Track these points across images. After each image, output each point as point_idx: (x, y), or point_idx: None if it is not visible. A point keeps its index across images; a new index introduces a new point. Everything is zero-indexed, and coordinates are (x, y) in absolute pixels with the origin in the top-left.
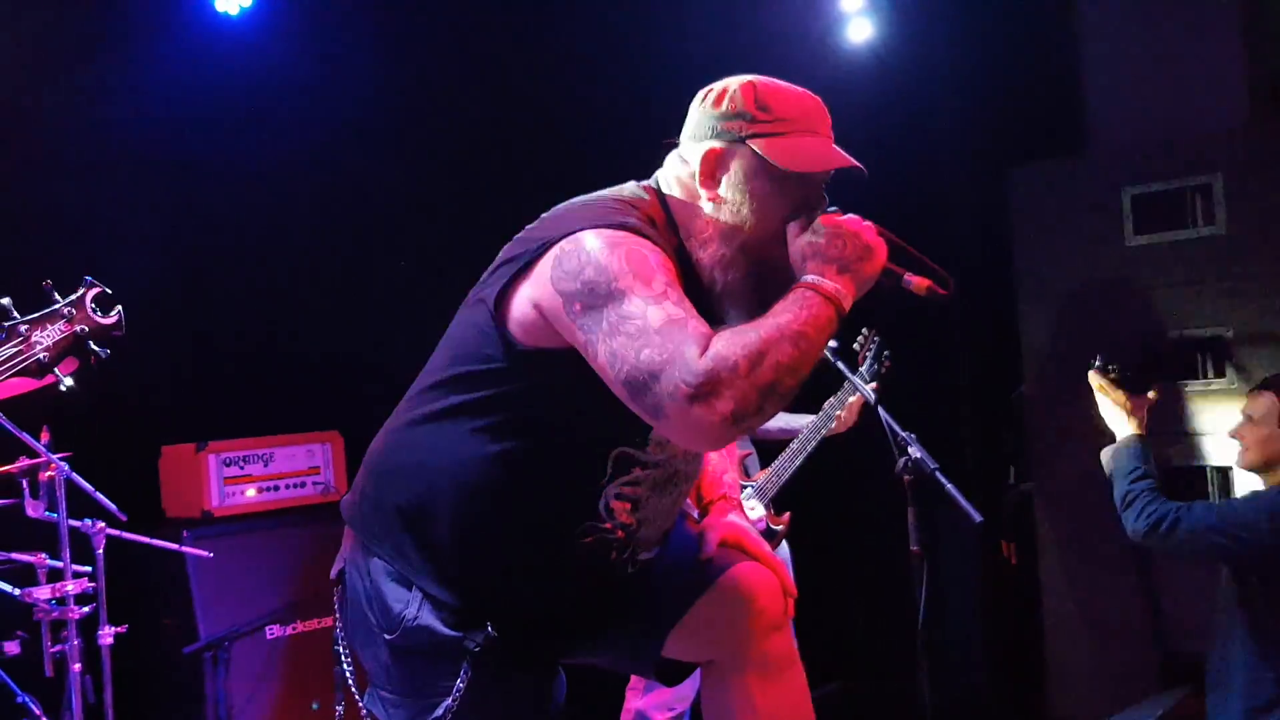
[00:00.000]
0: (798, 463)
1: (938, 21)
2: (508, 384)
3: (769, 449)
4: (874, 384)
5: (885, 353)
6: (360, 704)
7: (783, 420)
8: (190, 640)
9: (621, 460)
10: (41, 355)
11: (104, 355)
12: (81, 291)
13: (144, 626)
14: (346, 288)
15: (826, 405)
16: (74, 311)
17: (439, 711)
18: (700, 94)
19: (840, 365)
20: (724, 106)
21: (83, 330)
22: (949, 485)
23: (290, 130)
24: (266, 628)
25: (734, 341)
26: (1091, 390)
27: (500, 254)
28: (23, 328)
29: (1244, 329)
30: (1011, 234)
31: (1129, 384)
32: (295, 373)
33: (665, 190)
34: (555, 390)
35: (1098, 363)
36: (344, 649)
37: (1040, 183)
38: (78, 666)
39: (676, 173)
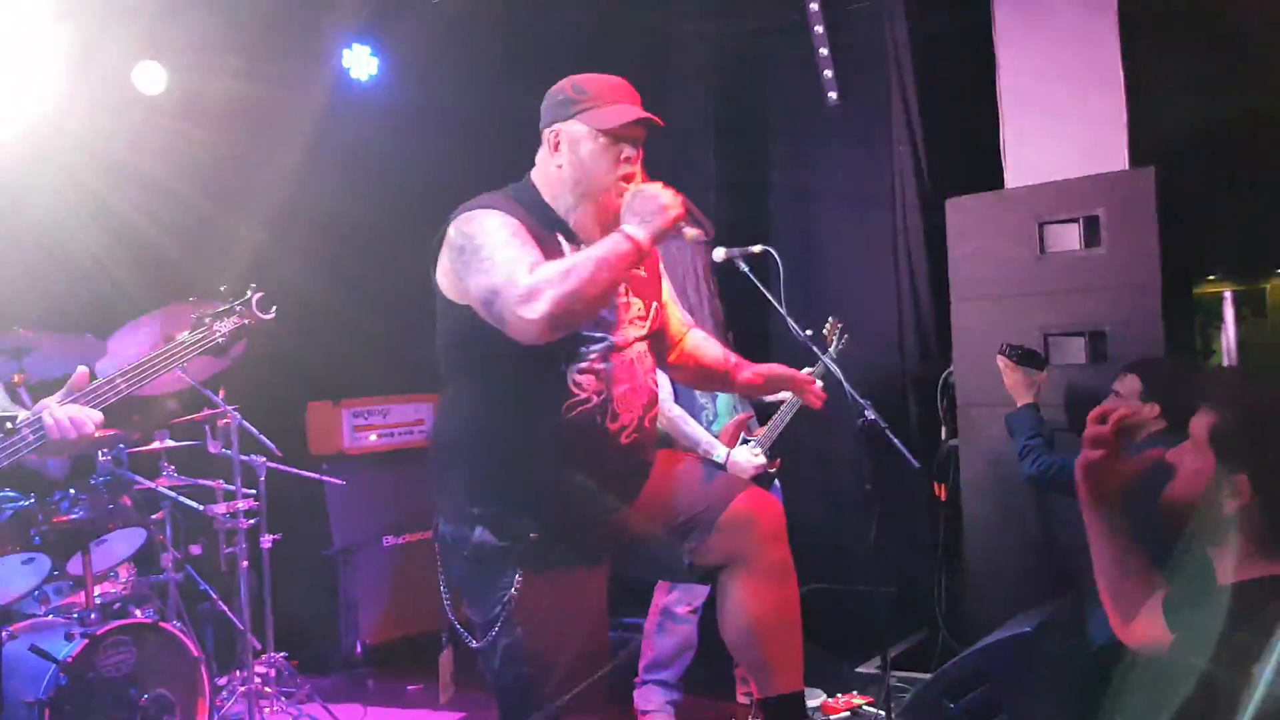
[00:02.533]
0: (785, 421)
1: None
2: (459, 334)
3: (764, 412)
4: (834, 358)
5: (846, 337)
6: (454, 617)
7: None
8: (327, 545)
9: (569, 347)
10: (220, 339)
11: (261, 344)
12: (249, 295)
13: (293, 535)
14: None
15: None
16: (243, 309)
17: (504, 600)
18: (545, 97)
19: (814, 348)
20: (556, 98)
21: (249, 323)
22: (895, 440)
23: (402, 162)
24: (383, 538)
25: (552, 265)
26: (1000, 370)
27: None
28: (208, 320)
29: (1119, 325)
30: (947, 249)
31: (1026, 365)
32: (406, 348)
33: (530, 175)
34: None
35: (1004, 349)
36: (442, 580)
37: (971, 211)
38: (245, 564)
39: (538, 157)
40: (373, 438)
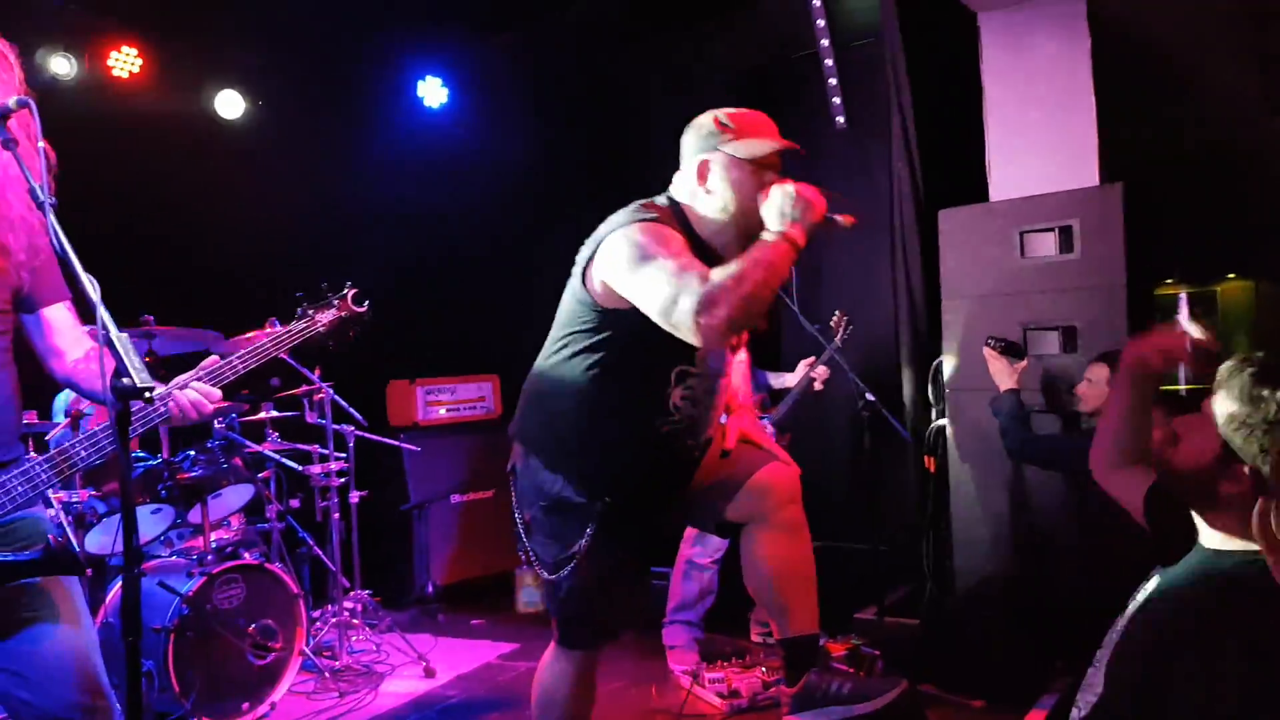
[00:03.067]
0: (794, 402)
1: (894, 112)
2: (598, 333)
3: (776, 395)
4: (837, 348)
5: (850, 327)
6: (526, 545)
7: (782, 378)
8: (404, 502)
9: (680, 374)
10: (320, 329)
11: (358, 331)
12: (345, 290)
13: (376, 492)
14: (506, 284)
15: (802, 369)
16: (340, 302)
17: (575, 549)
18: (687, 129)
19: (821, 339)
20: (704, 130)
21: (345, 315)
22: (892, 419)
23: (467, 177)
24: (451, 495)
25: (723, 272)
26: (985, 359)
27: (584, 245)
28: (310, 311)
29: (1090, 321)
30: (937, 255)
31: (1008, 355)
32: (470, 336)
33: (675, 197)
34: (629, 333)
35: (989, 340)
36: (516, 510)
37: (960, 221)
38: (336, 516)
39: (682, 184)
40: (442, 411)
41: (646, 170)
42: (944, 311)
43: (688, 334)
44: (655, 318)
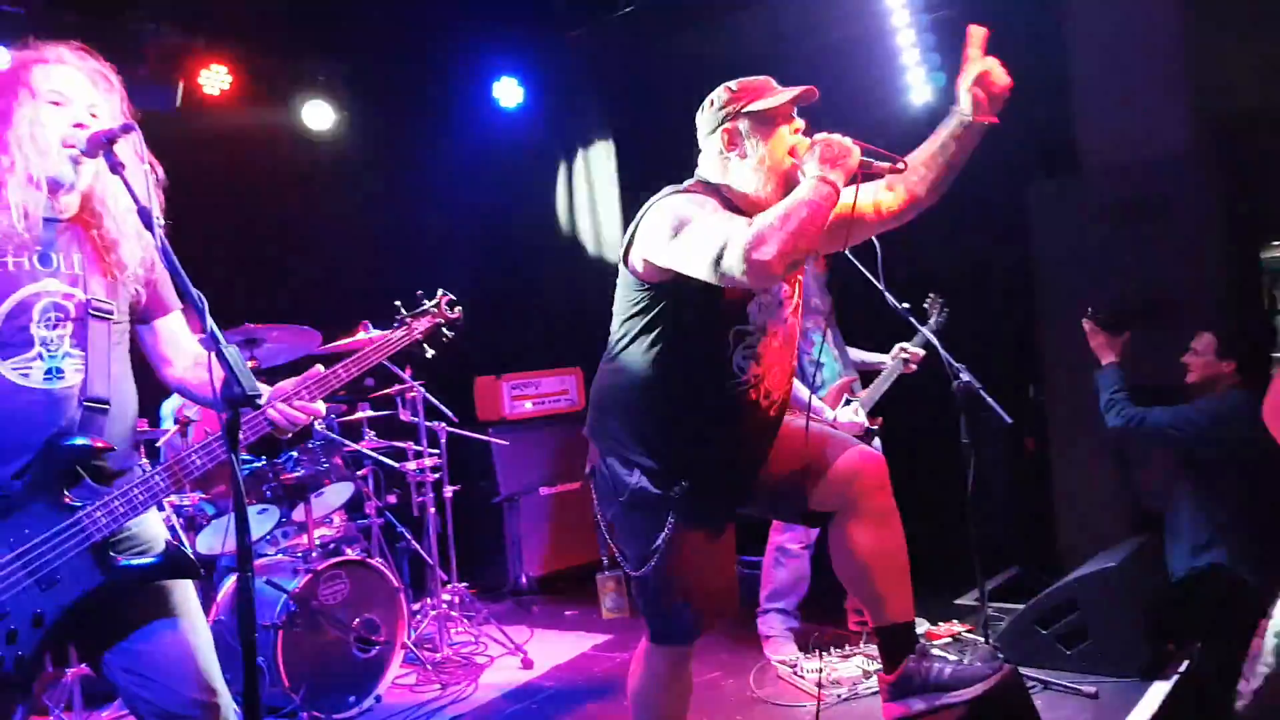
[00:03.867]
0: (886, 385)
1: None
2: (650, 312)
3: (866, 376)
4: (934, 330)
5: (946, 309)
6: (612, 545)
7: (875, 356)
8: (494, 495)
9: (738, 334)
10: (418, 335)
11: (452, 335)
12: (439, 296)
13: (468, 487)
14: (585, 277)
15: (899, 349)
16: (435, 309)
17: (660, 541)
18: (699, 112)
19: (913, 320)
20: (716, 105)
21: (441, 321)
22: (989, 399)
23: (545, 175)
24: (540, 488)
25: (767, 212)
26: (1085, 332)
27: (624, 237)
28: (408, 319)
29: (1190, 289)
30: (1030, 228)
31: (1109, 328)
32: (554, 331)
33: (704, 176)
34: (678, 303)
35: (1089, 313)
36: (598, 512)
37: (1051, 192)
38: (432, 510)
39: (708, 162)
40: (528, 405)
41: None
42: (1039, 286)
43: (740, 276)
44: (704, 272)
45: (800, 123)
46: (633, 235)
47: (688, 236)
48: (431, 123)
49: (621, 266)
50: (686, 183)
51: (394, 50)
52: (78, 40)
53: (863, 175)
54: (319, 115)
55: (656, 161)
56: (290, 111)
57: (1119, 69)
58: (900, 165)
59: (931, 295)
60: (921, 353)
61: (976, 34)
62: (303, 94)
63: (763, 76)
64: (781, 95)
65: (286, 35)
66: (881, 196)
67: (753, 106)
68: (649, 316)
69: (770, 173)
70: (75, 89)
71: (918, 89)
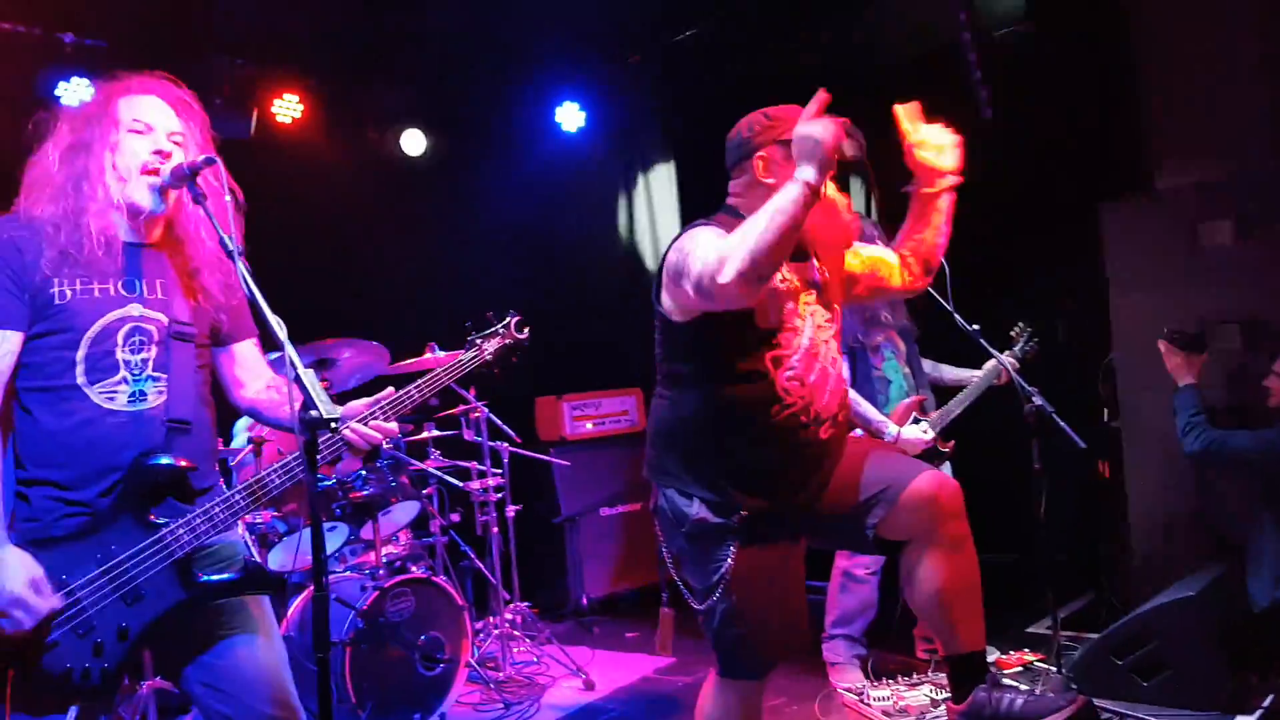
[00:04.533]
0: (968, 402)
1: (1044, 103)
2: (683, 349)
3: (942, 395)
4: (1014, 360)
5: (1034, 340)
6: (677, 580)
7: (956, 373)
8: (556, 515)
9: (775, 359)
10: (487, 357)
11: (519, 357)
12: (508, 319)
13: (530, 507)
14: (645, 299)
15: (986, 369)
16: (504, 331)
17: (722, 571)
18: (729, 139)
19: (991, 350)
20: (753, 129)
21: (509, 342)
22: (1062, 423)
23: (605, 198)
24: (600, 509)
25: (736, 231)
26: (1162, 354)
27: None
28: (479, 341)
29: (1274, 311)
30: (1102, 249)
31: (1187, 348)
32: (613, 352)
33: (734, 203)
34: (708, 340)
35: (1166, 334)
36: (663, 547)
37: (1124, 212)
38: (495, 529)
39: (737, 188)
40: (588, 426)
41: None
42: (1112, 308)
43: (717, 301)
44: (701, 303)
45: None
46: (656, 282)
47: (684, 276)
48: (495, 147)
49: (656, 306)
50: (715, 215)
51: (459, 78)
52: (147, 72)
53: (840, 163)
54: (387, 141)
55: (717, 184)
56: (358, 139)
57: (1193, 85)
58: (859, 147)
59: (1020, 325)
60: (1011, 366)
61: (902, 111)
62: (370, 122)
63: (796, 106)
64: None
65: (356, 65)
66: (880, 265)
67: (789, 134)
68: (685, 350)
69: None
70: (158, 117)
71: (986, 105)
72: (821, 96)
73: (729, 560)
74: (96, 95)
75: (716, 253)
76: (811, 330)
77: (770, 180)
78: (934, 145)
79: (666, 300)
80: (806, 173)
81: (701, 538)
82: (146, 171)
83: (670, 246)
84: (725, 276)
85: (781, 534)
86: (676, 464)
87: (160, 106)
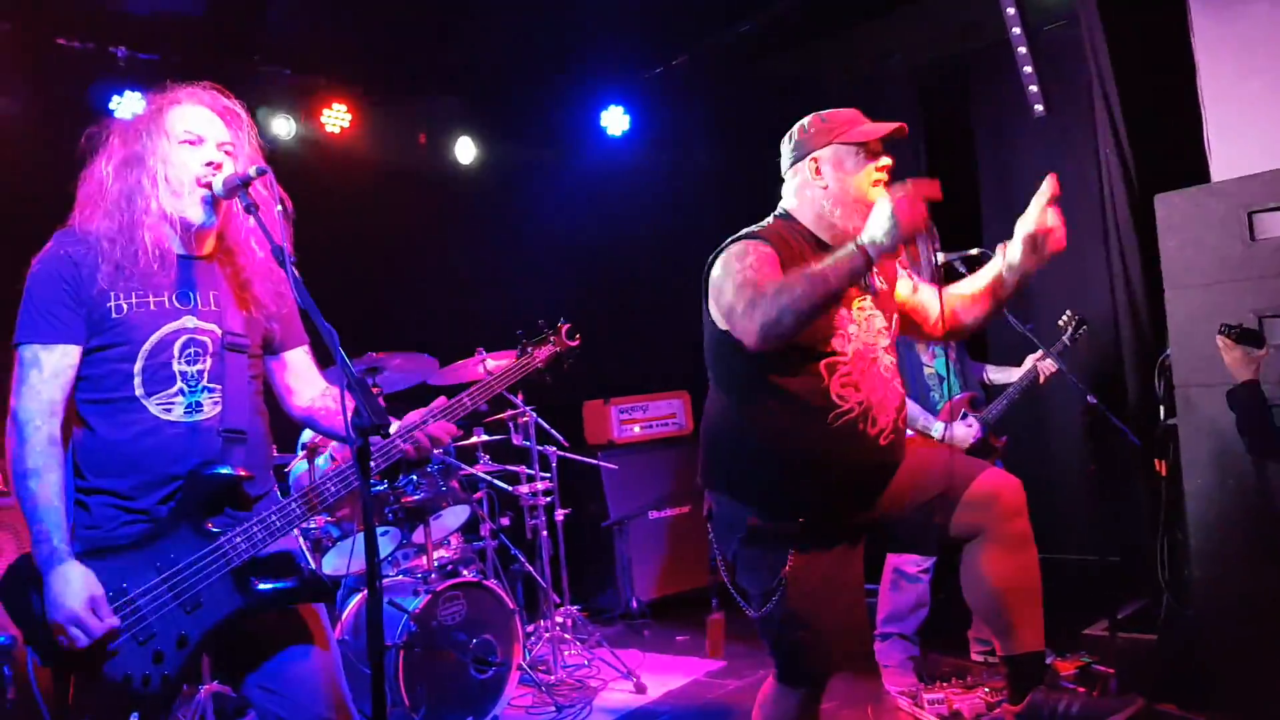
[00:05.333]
0: (1015, 397)
1: (1096, 93)
2: (734, 356)
3: (992, 391)
4: (1059, 350)
5: (1083, 328)
6: (731, 587)
7: (1003, 373)
8: (605, 518)
9: (829, 365)
10: (539, 364)
11: (570, 363)
12: (559, 325)
13: (579, 510)
14: (692, 302)
15: (1027, 366)
16: (555, 338)
17: (780, 577)
18: (784, 140)
19: (1035, 339)
20: (808, 132)
21: (560, 349)
22: (1117, 422)
23: (648, 202)
24: (648, 512)
25: (773, 281)
26: (1219, 350)
27: None
28: (530, 348)
29: None
30: (1157, 241)
31: (1244, 344)
32: (661, 356)
33: (786, 207)
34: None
35: (1224, 329)
36: (718, 553)
37: (1179, 205)
38: (544, 533)
39: (790, 191)
40: (636, 429)
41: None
42: (1167, 303)
43: (745, 337)
44: (734, 331)
45: (888, 160)
46: (705, 285)
47: (724, 293)
48: (540, 152)
49: (705, 312)
50: (766, 220)
51: (504, 84)
52: (208, 82)
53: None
54: (435, 149)
55: (762, 186)
56: (405, 147)
57: (1250, 75)
58: (976, 252)
59: (1069, 313)
60: (1054, 365)
61: (1050, 183)
62: (418, 130)
63: (852, 109)
64: (873, 129)
65: (401, 75)
66: (923, 308)
67: (844, 138)
68: (736, 357)
69: (855, 206)
70: (209, 128)
71: (1036, 102)
72: (930, 189)
73: (786, 566)
74: (147, 108)
75: (752, 290)
76: (866, 335)
77: (823, 184)
78: (1051, 239)
79: (712, 309)
80: (872, 246)
81: (758, 543)
82: (200, 184)
83: (717, 256)
84: (750, 322)
85: (839, 538)
86: (730, 469)
87: (210, 117)
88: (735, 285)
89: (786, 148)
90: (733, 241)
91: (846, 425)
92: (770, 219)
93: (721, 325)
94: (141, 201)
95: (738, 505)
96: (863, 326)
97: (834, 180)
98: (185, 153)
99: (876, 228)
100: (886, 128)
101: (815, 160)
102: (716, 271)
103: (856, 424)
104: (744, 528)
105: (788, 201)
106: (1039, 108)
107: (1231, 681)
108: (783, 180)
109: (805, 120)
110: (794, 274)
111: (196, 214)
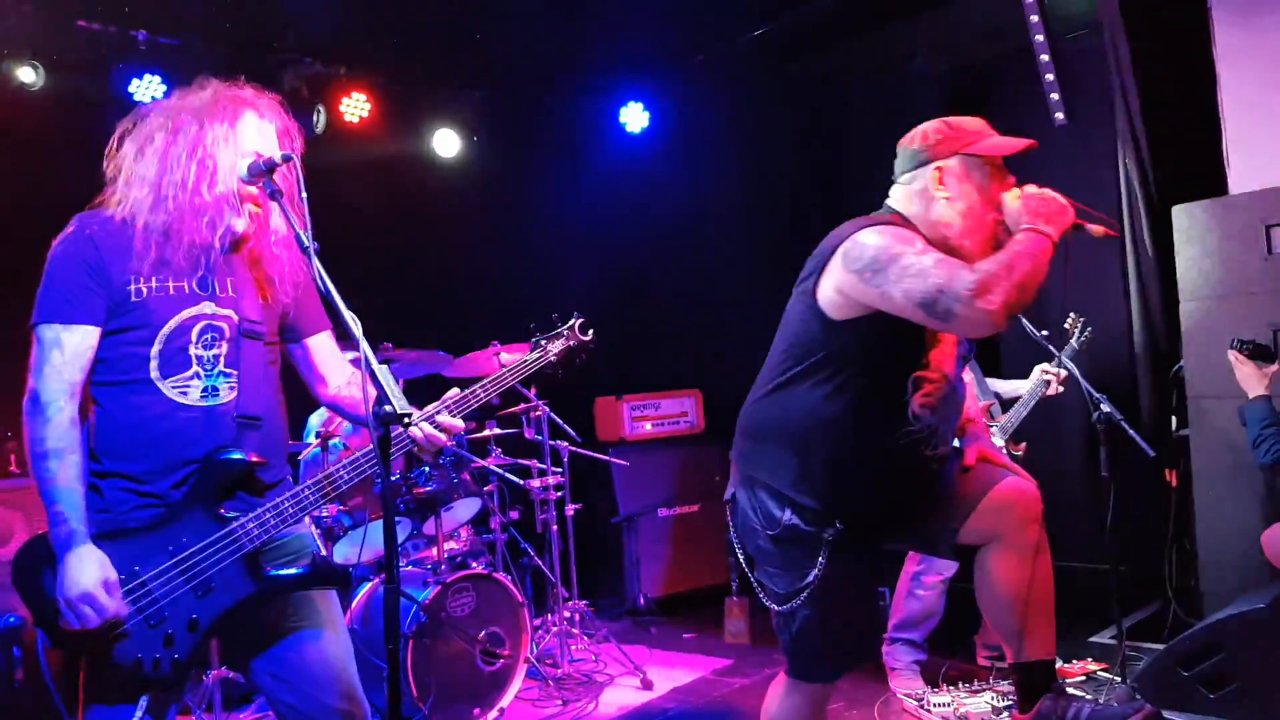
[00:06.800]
0: (1028, 409)
1: (1118, 104)
2: (828, 348)
3: (1006, 403)
4: (1071, 355)
5: (1089, 330)
6: (751, 577)
7: (1011, 385)
8: (614, 514)
9: (916, 381)
10: (552, 358)
11: (584, 359)
12: (573, 320)
13: (589, 506)
14: (706, 301)
15: (1035, 377)
16: (569, 332)
17: (809, 579)
18: (903, 143)
19: (1050, 347)
20: (934, 139)
21: (574, 344)
22: (1130, 431)
23: (665, 198)
24: (658, 509)
25: (990, 260)
26: (1231, 364)
27: (807, 262)
28: (544, 342)
29: None
30: (1173, 252)
31: (1257, 358)
32: (673, 354)
33: (899, 209)
34: (860, 345)
35: (1235, 343)
36: (735, 542)
37: (1197, 217)
38: (554, 527)
39: (903, 196)
40: (648, 427)
41: (850, 182)
42: (1182, 315)
43: (958, 321)
44: (914, 311)
45: (1012, 178)
46: (823, 264)
47: (898, 271)
48: (559, 147)
49: (807, 298)
50: (878, 214)
51: (525, 77)
52: (226, 70)
53: (1074, 234)
54: (447, 142)
55: (781, 186)
56: (425, 138)
57: (1271, 89)
58: (1114, 229)
59: (1072, 316)
60: (1063, 373)
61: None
62: (436, 121)
63: (977, 119)
64: (1006, 144)
65: (422, 64)
66: None
67: (974, 149)
68: (829, 351)
69: (976, 220)
70: (270, 147)
71: (1056, 110)
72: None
73: (818, 571)
74: (215, 100)
75: (970, 274)
76: (949, 356)
77: (945, 194)
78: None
79: (830, 291)
80: (1049, 229)
81: (790, 544)
82: (248, 199)
83: (851, 236)
84: (989, 304)
85: (871, 549)
86: (779, 463)
87: (272, 135)
88: (928, 266)
89: (906, 151)
90: (868, 225)
91: (912, 444)
92: (886, 213)
93: (832, 312)
94: (194, 196)
95: (774, 501)
96: (946, 347)
97: (962, 192)
98: (244, 163)
99: (1040, 216)
100: (1020, 144)
101: (940, 170)
102: (863, 252)
103: (922, 444)
104: (778, 526)
105: (900, 205)
106: (1059, 116)
107: (1241, 690)
108: (893, 183)
109: (929, 125)
110: (1006, 254)
111: (240, 223)
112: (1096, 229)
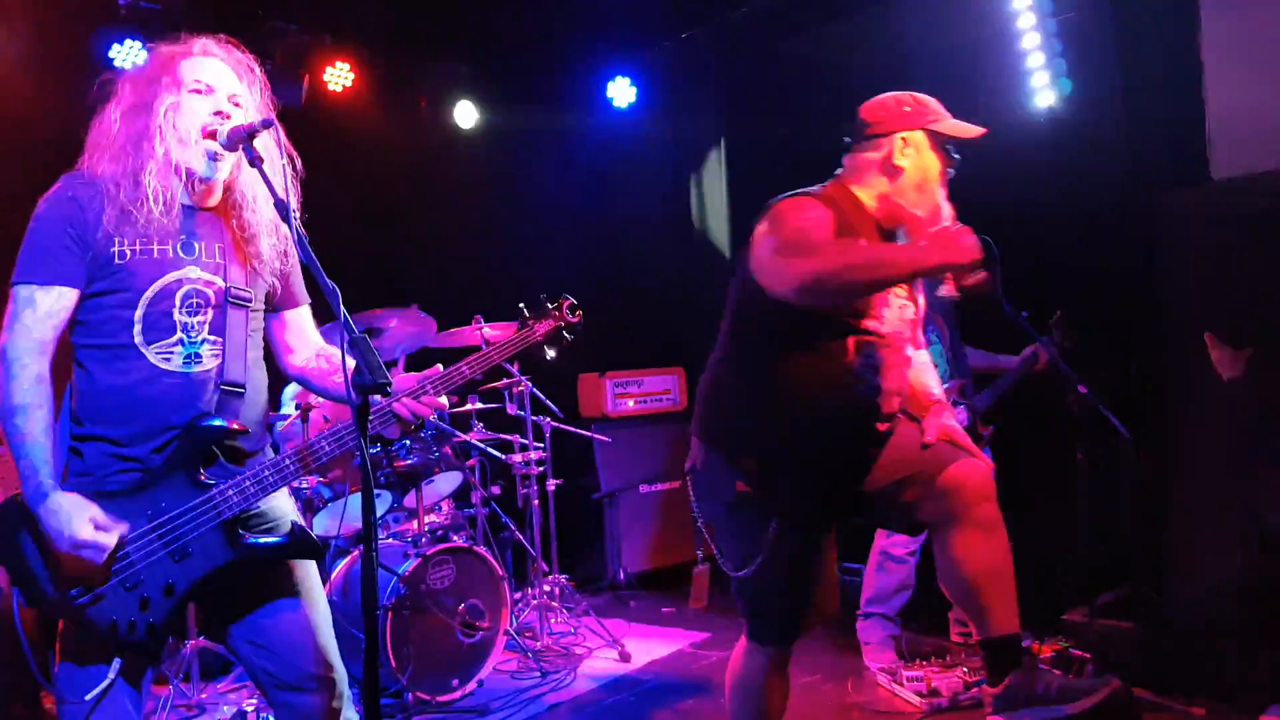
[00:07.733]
0: (1008, 386)
1: (1101, 87)
2: (769, 312)
3: (981, 380)
4: (1053, 347)
5: (1074, 330)
6: (712, 544)
7: (993, 359)
8: (596, 490)
9: (859, 344)
10: (539, 338)
11: (570, 338)
12: (561, 300)
13: (570, 481)
14: (690, 278)
15: (1026, 353)
16: (557, 312)
17: (760, 544)
18: (867, 109)
19: (1030, 330)
20: (902, 107)
21: (561, 324)
22: (1108, 413)
23: (651, 174)
24: (639, 486)
25: (841, 241)
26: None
27: None
28: (531, 321)
29: None
30: (1157, 242)
31: (1231, 344)
32: (657, 331)
33: (846, 180)
34: (798, 309)
35: (1211, 329)
36: (696, 510)
37: (1181, 202)
38: (535, 502)
39: (858, 164)
40: (630, 404)
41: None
42: (1164, 300)
43: (770, 279)
44: (757, 270)
45: (956, 158)
46: (750, 235)
47: (771, 241)
48: (545, 122)
49: (741, 263)
50: (817, 187)
51: (510, 51)
52: (211, 35)
53: (956, 280)
54: (438, 113)
55: (767, 162)
56: (408, 108)
57: (1255, 75)
58: (991, 289)
59: (1058, 313)
60: (1038, 364)
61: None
62: (422, 93)
63: (933, 98)
64: (967, 127)
65: (407, 36)
66: None
67: (938, 126)
68: (768, 317)
69: (925, 193)
70: (219, 78)
71: (1042, 93)
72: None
73: (770, 535)
74: (159, 56)
75: (803, 239)
76: (897, 320)
77: (904, 163)
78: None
79: (756, 261)
80: (935, 257)
81: (744, 508)
82: (206, 134)
83: (771, 207)
84: (795, 269)
85: (823, 513)
86: (730, 430)
87: (222, 69)
88: (786, 231)
89: (868, 119)
90: (787, 195)
91: (856, 407)
92: (824, 185)
93: (760, 280)
94: (148, 147)
95: (729, 469)
96: (895, 310)
97: (915, 165)
98: (194, 101)
99: (943, 246)
100: (977, 130)
101: (904, 140)
102: (762, 223)
103: (866, 406)
104: (732, 493)
105: (850, 173)
106: (1044, 99)
107: (1208, 668)
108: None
109: (897, 94)
110: (856, 243)
111: (200, 165)
112: (975, 279)
